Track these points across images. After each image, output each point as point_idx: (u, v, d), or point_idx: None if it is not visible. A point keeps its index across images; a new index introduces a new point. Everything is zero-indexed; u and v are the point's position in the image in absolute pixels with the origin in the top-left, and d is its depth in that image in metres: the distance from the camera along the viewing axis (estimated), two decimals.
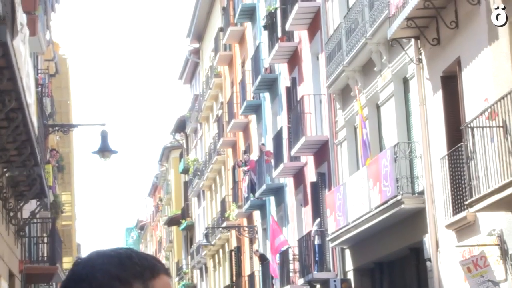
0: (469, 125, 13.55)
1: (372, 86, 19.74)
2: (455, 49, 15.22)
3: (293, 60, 27.17)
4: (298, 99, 25.47)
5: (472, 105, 14.39)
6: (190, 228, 51.43)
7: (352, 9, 20.25)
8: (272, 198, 30.51)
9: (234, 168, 36.77)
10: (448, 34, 15.38)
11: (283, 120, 28.21)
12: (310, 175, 25.29)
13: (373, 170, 18.10)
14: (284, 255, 26.27)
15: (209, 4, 41.84)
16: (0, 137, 13.82)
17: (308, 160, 25.51)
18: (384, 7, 17.57)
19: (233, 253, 37.46)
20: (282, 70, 28.82)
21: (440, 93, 15.97)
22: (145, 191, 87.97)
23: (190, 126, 49.90)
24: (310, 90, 24.98)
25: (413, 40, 16.81)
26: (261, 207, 32.01)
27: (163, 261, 67.04)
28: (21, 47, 12.77)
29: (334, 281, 21.64)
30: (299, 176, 26.72)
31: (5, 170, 15.70)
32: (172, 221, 55.93)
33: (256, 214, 33.35)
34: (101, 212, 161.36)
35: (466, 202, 13.81)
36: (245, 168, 31.76)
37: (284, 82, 28.58)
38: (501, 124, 12.50)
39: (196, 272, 50.38)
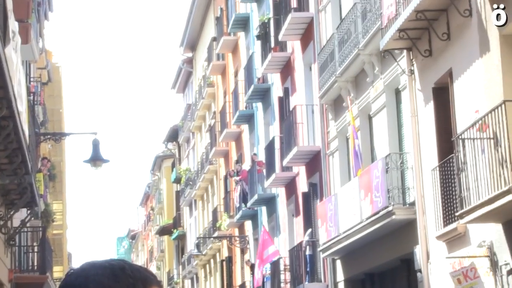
0: (460, 137, 13.58)
1: (364, 97, 19.77)
2: (447, 61, 15.26)
3: (286, 70, 27.20)
4: (291, 109, 25.49)
5: (464, 117, 14.43)
6: (182, 238, 51.35)
7: (345, 20, 20.30)
8: (264, 208, 30.50)
9: (226, 178, 36.74)
10: (440, 46, 15.42)
11: (276, 130, 28.23)
12: (302, 186, 25.29)
13: (365, 181, 18.11)
14: (275, 265, 26.25)
15: (202, 13, 41.89)
16: None
17: (300, 171, 25.51)
18: (377, 19, 17.62)
19: (224, 263, 37.41)
20: (275, 80, 28.86)
21: (431, 104, 16.00)
22: (137, 200, 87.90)
23: (183, 135, 49.89)
24: (302, 100, 25.01)
25: (405, 51, 16.86)
26: (253, 217, 31.99)
27: (154, 271, 66.91)
28: (13, 55, 12.75)
29: None
30: (291, 186, 26.72)
31: None
32: (164, 231, 55.83)
33: (248, 224, 33.32)
34: (93, 221, 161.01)
35: (457, 214, 13.83)
36: (237, 178, 31.75)
37: (276, 92, 28.61)
38: (491, 136, 12.53)
39: (187, 282, 50.27)
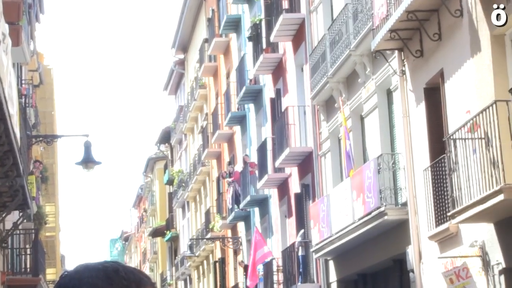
0: (451, 137, 13.60)
1: (356, 98, 19.79)
2: (438, 61, 15.28)
3: (278, 71, 27.21)
4: (283, 110, 25.50)
5: (455, 117, 14.45)
6: (175, 239, 51.31)
7: (336, 21, 20.31)
8: (257, 210, 30.49)
9: (218, 179, 36.73)
10: (431, 46, 15.44)
11: (268, 131, 28.22)
12: (294, 187, 25.29)
13: (357, 182, 18.12)
14: (268, 266, 26.24)
15: (194, 15, 41.87)
16: None
17: (292, 172, 25.52)
18: (368, 19, 17.63)
19: (217, 264, 37.39)
20: (267, 82, 28.86)
21: (423, 104, 16.02)
22: (130, 202, 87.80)
23: (175, 137, 49.85)
24: (294, 101, 25.01)
25: (396, 52, 16.88)
26: (246, 218, 31.99)
27: (148, 272, 66.84)
28: (3, 58, 12.72)
29: None
30: (283, 188, 26.72)
31: None
32: (157, 232, 55.78)
33: (241, 225, 33.31)
34: (86, 223, 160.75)
35: (449, 214, 13.85)
36: (230, 180, 31.73)
37: (268, 93, 28.61)
38: (483, 136, 12.55)
39: (181, 284, 50.23)
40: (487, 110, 12.41)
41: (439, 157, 14.88)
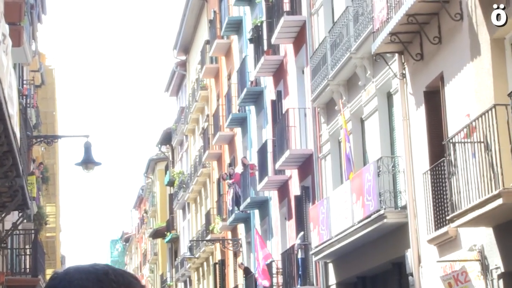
0: (451, 141, 13.59)
1: (356, 100, 19.79)
2: (438, 65, 15.28)
3: (279, 73, 27.22)
4: (283, 112, 25.50)
5: (455, 121, 14.45)
6: (175, 241, 51.32)
7: (337, 23, 20.32)
8: (257, 211, 30.49)
9: (219, 181, 36.73)
10: (431, 50, 15.45)
11: (268, 133, 28.23)
12: (295, 189, 25.29)
13: (357, 184, 18.12)
14: (267, 268, 26.23)
15: (195, 17, 41.89)
16: None
17: (293, 174, 25.52)
18: (369, 22, 17.64)
19: (217, 266, 37.38)
20: (268, 83, 28.87)
21: (423, 108, 16.02)
22: (131, 203, 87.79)
23: (176, 138, 49.87)
24: (295, 103, 25.02)
25: (396, 55, 16.88)
26: (246, 220, 31.98)
27: (148, 273, 66.85)
28: (3, 58, 12.73)
29: None
30: (283, 190, 26.72)
31: None
32: (157, 234, 55.80)
33: (241, 227, 33.31)
34: (86, 224, 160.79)
35: (448, 217, 13.84)
36: (230, 181, 31.74)
37: (269, 95, 28.62)
38: (482, 140, 12.55)
39: (181, 285, 50.23)
40: (487, 114, 12.41)
41: (438, 161, 14.87)
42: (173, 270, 52.36)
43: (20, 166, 15.50)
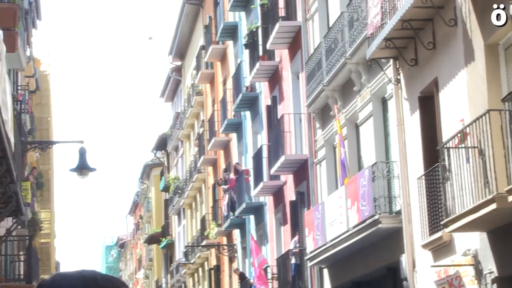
0: (445, 146, 13.61)
1: (351, 106, 19.81)
2: (432, 70, 15.31)
3: (274, 79, 27.24)
4: (278, 117, 25.51)
5: (449, 126, 14.47)
6: (170, 246, 51.25)
7: (332, 29, 20.35)
8: (252, 217, 30.48)
9: (214, 187, 36.71)
10: (425, 55, 15.47)
11: (263, 138, 28.24)
12: (290, 194, 25.29)
13: (351, 190, 18.13)
14: (264, 273, 26.20)
15: (191, 22, 41.91)
16: None
17: (288, 179, 25.52)
18: (364, 28, 17.66)
19: (212, 271, 37.34)
20: (263, 89, 28.88)
21: (417, 113, 16.04)
22: (126, 209, 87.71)
23: (171, 144, 49.84)
24: (290, 109, 25.03)
25: (391, 60, 16.90)
26: (241, 225, 31.97)
27: (143, 279, 66.75)
28: None
29: None
30: (278, 195, 26.72)
31: None
32: (152, 239, 55.71)
33: (236, 233, 33.30)
34: (81, 230, 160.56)
35: (442, 222, 13.85)
36: (225, 187, 31.72)
37: (264, 100, 28.63)
38: (476, 145, 12.57)
39: None
40: (481, 119, 12.43)
41: (433, 166, 14.89)
42: (169, 275, 52.30)
43: (14, 172, 15.47)
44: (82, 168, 18.96)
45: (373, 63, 17.22)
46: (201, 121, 40.28)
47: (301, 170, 23.94)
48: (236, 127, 32.79)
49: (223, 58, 35.86)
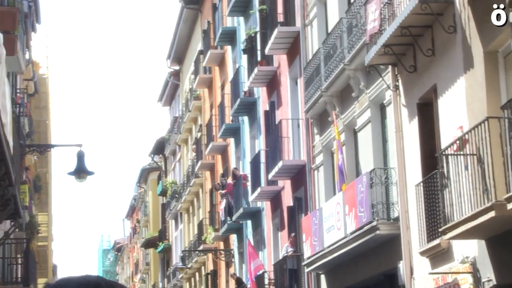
0: (443, 153, 13.61)
1: (349, 112, 19.81)
2: (431, 77, 15.32)
3: (272, 84, 27.24)
4: (276, 123, 25.52)
5: (448, 133, 14.48)
6: (167, 251, 51.21)
7: (331, 35, 20.36)
8: (249, 222, 30.47)
9: (211, 191, 36.69)
10: (424, 62, 15.49)
11: (261, 144, 28.23)
12: (287, 200, 25.28)
13: (349, 196, 18.12)
14: (260, 279, 26.20)
15: (189, 27, 41.92)
16: None
17: (285, 185, 25.51)
18: (362, 34, 17.67)
19: (209, 276, 37.31)
20: (261, 94, 28.88)
21: (416, 120, 16.05)
22: (123, 213, 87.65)
23: (169, 148, 49.82)
24: (288, 114, 25.04)
25: (390, 67, 16.91)
26: (238, 230, 31.95)
27: (139, 283, 66.67)
28: None
29: None
30: (276, 200, 26.71)
31: None
32: (149, 243, 55.66)
33: (233, 238, 33.27)
34: (78, 233, 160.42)
35: (440, 229, 13.85)
36: (223, 191, 31.70)
37: (262, 105, 28.63)
38: (475, 152, 12.57)
39: None
40: (479, 126, 12.44)
41: (431, 173, 14.89)
42: (165, 280, 52.24)
43: (12, 175, 15.47)
44: (80, 171, 18.94)
45: (371, 69, 17.24)
46: (199, 125, 40.28)
47: (299, 176, 23.93)
48: (234, 132, 32.79)
49: (221, 63, 35.87)
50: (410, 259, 16.34)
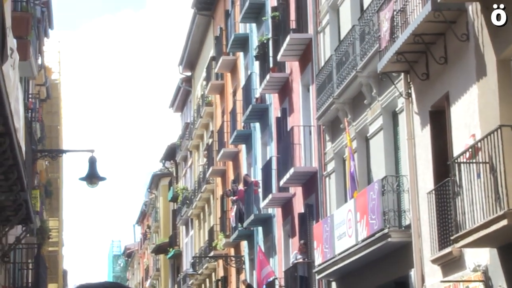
0: (456, 161, 13.58)
1: (361, 119, 19.79)
2: (444, 84, 15.29)
3: (284, 90, 27.24)
4: (288, 129, 25.51)
5: (460, 141, 14.44)
6: (178, 257, 51.21)
7: (343, 42, 20.35)
8: (260, 229, 30.44)
9: (222, 197, 36.69)
10: (437, 69, 15.46)
11: (273, 150, 28.22)
12: (298, 206, 25.26)
13: (361, 203, 18.09)
14: (270, 286, 26.16)
15: (202, 33, 41.98)
16: None
17: (297, 191, 25.49)
18: (375, 41, 17.66)
19: (219, 283, 37.28)
20: (273, 101, 28.88)
21: (428, 127, 16.01)
22: (134, 218, 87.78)
23: (180, 154, 49.86)
24: (300, 121, 25.03)
25: (402, 74, 16.89)
26: (249, 237, 31.93)
27: None
28: (10, 72, 12.77)
29: None
30: (287, 207, 26.68)
31: None
32: (160, 249, 55.68)
33: (244, 244, 33.25)
34: (89, 239, 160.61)
35: (452, 237, 13.81)
36: (234, 198, 31.69)
37: (274, 112, 28.63)
38: (487, 160, 12.54)
39: None
40: (492, 134, 12.41)
41: (443, 181, 14.85)
42: (176, 286, 52.23)
43: (24, 180, 15.50)
44: (92, 177, 18.96)
45: (384, 77, 17.22)
46: (210, 131, 40.30)
47: (310, 183, 23.91)
48: (245, 138, 32.79)
49: (233, 69, 35.90)
50: (422, 267, 16.29)
